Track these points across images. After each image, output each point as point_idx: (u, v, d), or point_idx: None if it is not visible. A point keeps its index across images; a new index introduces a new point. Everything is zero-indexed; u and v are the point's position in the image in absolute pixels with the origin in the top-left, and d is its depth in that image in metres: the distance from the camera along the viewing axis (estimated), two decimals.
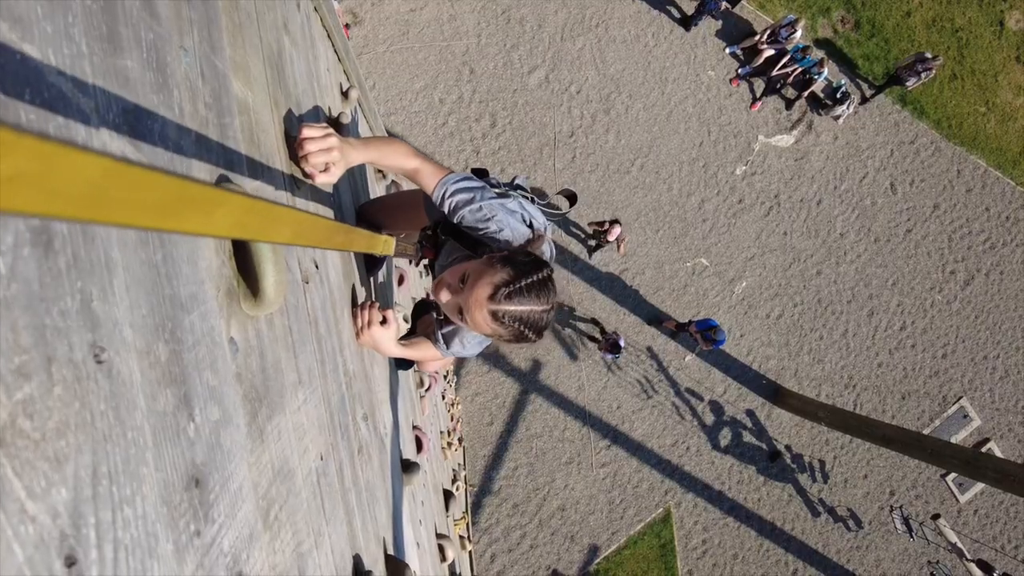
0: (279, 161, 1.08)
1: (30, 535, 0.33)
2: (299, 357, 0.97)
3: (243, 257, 0.77)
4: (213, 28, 0.85)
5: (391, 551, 1.48)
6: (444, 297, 1.49)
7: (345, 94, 2.14)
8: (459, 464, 7.27)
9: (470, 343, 1.81)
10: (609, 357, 9.53)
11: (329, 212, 1.47)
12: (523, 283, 1.40)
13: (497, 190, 1.74)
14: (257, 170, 0.93)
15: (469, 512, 8.21)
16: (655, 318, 10.06)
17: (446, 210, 1.63)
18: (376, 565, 1.28)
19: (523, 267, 1.43)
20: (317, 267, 1.23)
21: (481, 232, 1.63)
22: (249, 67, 0.99)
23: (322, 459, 1.01)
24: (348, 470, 1.18)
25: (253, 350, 0.77)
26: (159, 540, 0.47)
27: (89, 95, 0.48)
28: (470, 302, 1.42)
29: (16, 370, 0.35)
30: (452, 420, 7.00)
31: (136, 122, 0.56)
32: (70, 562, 0.36)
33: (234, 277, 0.75)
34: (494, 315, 1.40)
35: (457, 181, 1.61)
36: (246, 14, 1.05)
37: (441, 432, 4.73)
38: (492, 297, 1.38)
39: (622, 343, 9.06)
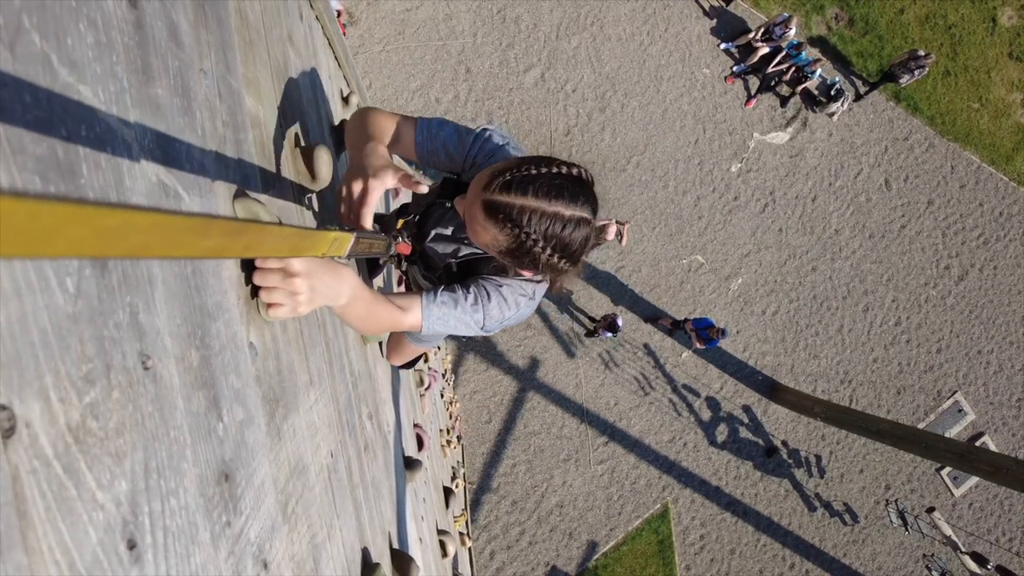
0: (288, 171, 1.13)
1: (100, 521, 0.38)
2: (310, 359, 1.02)
3: None
4: (228, 49, 0.89)
5: (396, 545, 1.53)
6: (459, 206, 1.25)
7: (346, 100, 2.19)
8: (458, 462, 7.33)
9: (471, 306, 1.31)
10: (608, 335, 9.56)
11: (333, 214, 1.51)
12: (531, 171, 1.09)
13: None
14: (269, 181, 0.98)
15: (468, 509, 8.27)
16: (651, 315, 10.12)
17: (431, 146, 1.38)
18: (383, 558, 1.33)
19: (537, 159, 1.12)
20: None
21: (483, 156, 1.36)
22: (259, 82, 1.04)
23: (332, 456, 1.06)
24: (356, 467, 1.23)
25: (270, 353, 0.82)
26: (199, 528, 0.52)
27: (130, 126, 0.53)
28: (467, 199, 1.15)
29: (84, 376, 0.39)
30: (451, 418, 7.06)
31: (167, 146, 0.61)
32: (131, 545, 0.41)
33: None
34: (487, 208, 1.10)
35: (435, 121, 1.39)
36: (255, 31, 1.09)
37: (440, 430, 4.79)
38: (487, 186, 1.10)
39: (620, 322, 9.10)
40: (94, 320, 0.42)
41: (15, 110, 0.37)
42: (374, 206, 1.11)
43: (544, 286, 1.43)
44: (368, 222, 1.11)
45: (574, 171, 1.13)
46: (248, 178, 0.87)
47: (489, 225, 1.12)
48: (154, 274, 0.52)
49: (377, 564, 1.16)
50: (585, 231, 1.16)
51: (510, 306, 1.35)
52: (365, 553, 1.17)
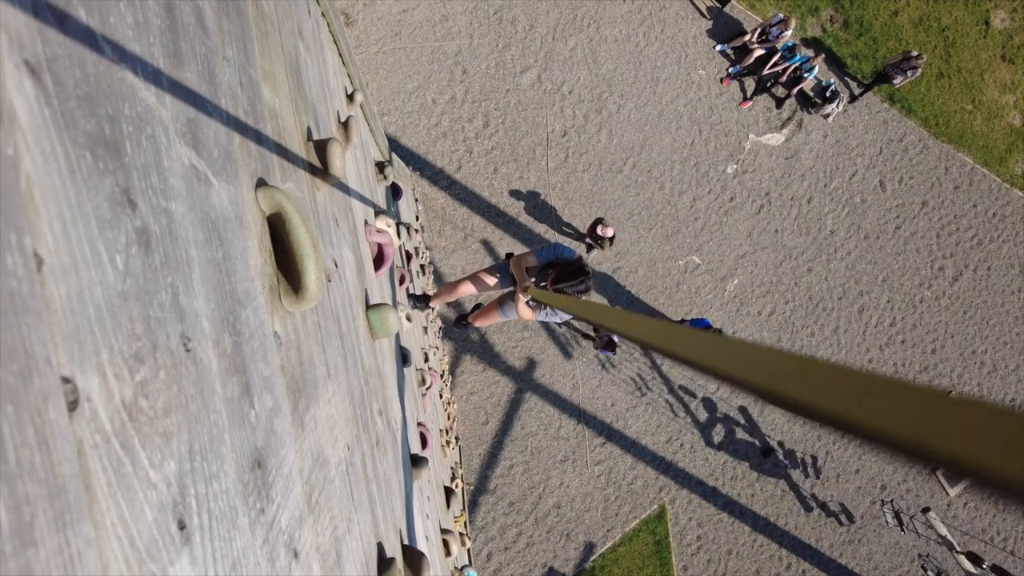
0: (302, 164, 1.13)
1: (154, 500, 0.38)
2: (327, 351, 1.01)
3: (281, 256, 0.81)
4: (247, 38, 0.89)
5: (406, 542, 1.52)
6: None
7: (350, 97, 2.18)
8: (456, 462, 7.31)
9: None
10: (606, 354, 9.58)
11: (343, 208, 1.51)
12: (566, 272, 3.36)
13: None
14: (287, 172, 0.97)
15: (467, 510, 8.25)
16: (648, 316, 10.11)
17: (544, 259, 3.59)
18: (396, 554, 1.32)
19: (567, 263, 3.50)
20: (337, 266, 1.27)
21: (559, 253, 3.56)
22: (275, 74, 1.04)
23: (349, 450, 1.05)
24: (369, 461, 1.23)
25: (292, 344, 0.81)
26: (238, 513, 0.51)
27: (166, 107, 0.52)
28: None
29: (135, 355, 0.39)
30: (449, 419, 7.04)
31: (197, 130, 0.60)
32: (181, 525, 0.41)
33: (275, 275, 0.79)
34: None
35: (535, 251, 3.64)
36: (270, 22, 1.09)
37: (440, 430, 4.78)
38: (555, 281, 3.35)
39: (617, 339, 9.11)
40: (141, 299, 0.41)
41: (67, 85, 0.37)
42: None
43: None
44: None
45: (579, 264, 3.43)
46: (268, 168, 0.86)
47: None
48: (192, 257, 0.52)
49: (392, 559, 1.15)
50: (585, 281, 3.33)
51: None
52: (380, 548, 1.16)
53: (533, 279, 3.56)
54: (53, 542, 0.28)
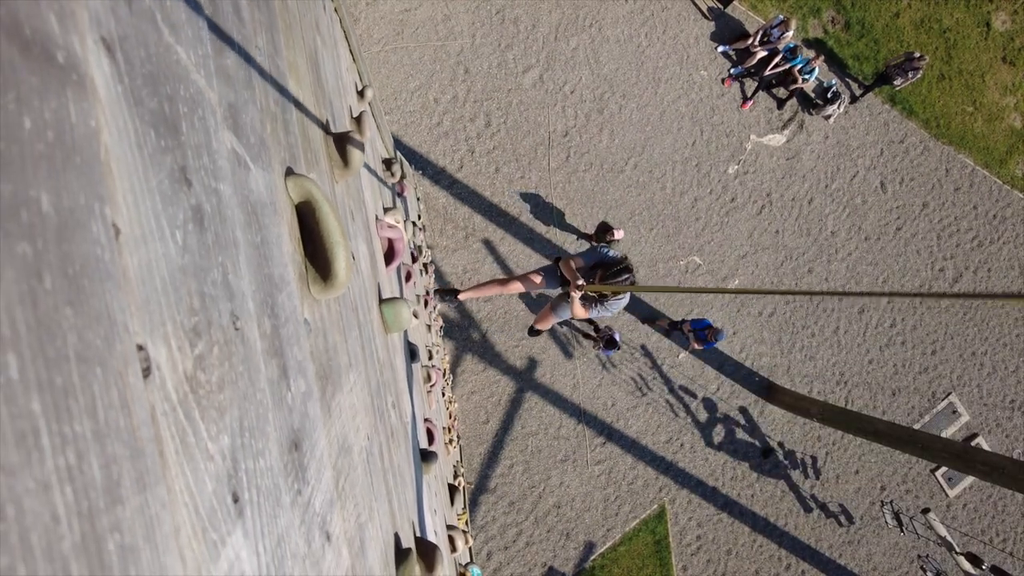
0: (323, 157, 1.14)
1: (212, 471, 0.39)
2: (348, 341, 1.02)
3: (307, 244, 0.82)
4: (274, 29, 0.90)
5: (418, 534, 1.53)
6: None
7: (361, 94, 2.19)
8: (457, 461, 7.32)
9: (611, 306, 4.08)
10: (607, 354, 9.58)
11: (357, 202, 1.52)
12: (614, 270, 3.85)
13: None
14: (310, 163, 0.98)
15: (468, 508, 8.26)
16: (649, 316, 10.14)
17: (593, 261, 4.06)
18: (410, 545, 1.33)
19: (613, 262, 3.95)
20: (354, 258, 1.28)
21: (604, 255, 3.95)
22: (299, 66, 1.05)
23: (368, 440, 1.06)
24: (386, 452, 1.24)
25: (319, 331, 0.82)
26: (281, 492, 0.52)
27: (214, 90, 0.53)
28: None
29: (193, 329, 0.40)
30: (450, 418, 7.05)
31: (237, 116, 0.61)
32: (235, 498, 0.41)
33: (303, 262, 0.80)
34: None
35: (580, 254, 4.13)
36: (292, 15, 1.10)
37: (443, 428, 4.78)
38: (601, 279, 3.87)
39: (618, 338, 9.11)
40: (197, 275, 0.42)
41: (135, 63, 0.37)
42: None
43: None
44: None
45: (625, 264, 3.93)
46: (295, 158, 0.87)
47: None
48: (238, 238, 0.53)
49: (409, 549, 1.16)
50: (630, 278, 3.90)
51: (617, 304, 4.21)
52: (396, 538, 1.17)
53: (582, 280, 3.94)
54: (136, 502, 0.28)
